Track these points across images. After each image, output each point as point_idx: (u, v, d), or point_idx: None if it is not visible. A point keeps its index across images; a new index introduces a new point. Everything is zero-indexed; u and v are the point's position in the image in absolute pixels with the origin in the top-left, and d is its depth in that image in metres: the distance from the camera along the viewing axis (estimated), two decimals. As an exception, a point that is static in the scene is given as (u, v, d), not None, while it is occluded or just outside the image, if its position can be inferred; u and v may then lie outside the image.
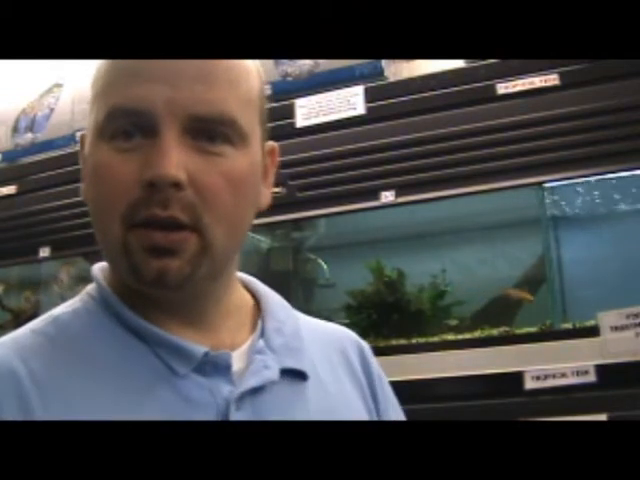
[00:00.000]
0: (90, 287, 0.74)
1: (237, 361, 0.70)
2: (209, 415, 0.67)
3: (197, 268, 0.67)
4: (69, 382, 0.65)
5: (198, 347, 0.69)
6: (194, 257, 0.66)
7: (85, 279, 0.75)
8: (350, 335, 0.85)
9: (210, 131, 0.67)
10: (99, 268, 0.75)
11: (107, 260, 0.73)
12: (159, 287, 0.67)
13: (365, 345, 0.85)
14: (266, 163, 0.75)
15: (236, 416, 0.67)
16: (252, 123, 0.71)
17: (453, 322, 1.71)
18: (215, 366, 0.69)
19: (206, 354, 0.68)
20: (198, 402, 0.67)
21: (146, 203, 0.65)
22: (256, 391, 0.69)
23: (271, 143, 0.77)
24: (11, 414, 0.63)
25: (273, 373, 0.71)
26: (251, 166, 0.70)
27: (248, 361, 0.71)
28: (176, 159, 0.65)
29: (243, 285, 0.79)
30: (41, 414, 0.63)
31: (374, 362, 0.84)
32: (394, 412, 0.83)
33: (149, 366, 0.68)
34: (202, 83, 0.66)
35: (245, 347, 0.73)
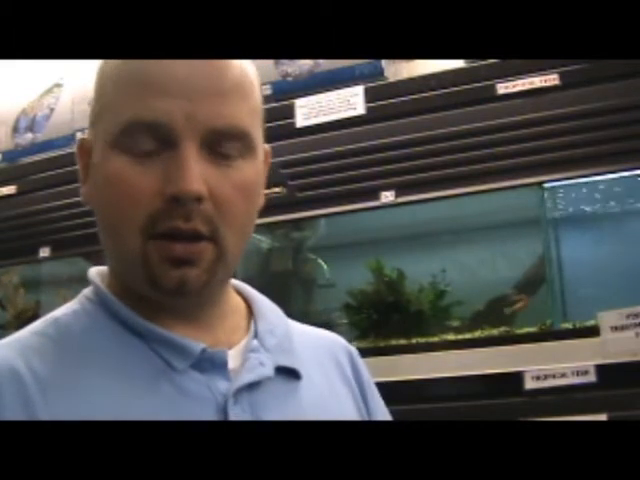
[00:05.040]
0: (87, 290, 0.75)
1: (233, 359, 0.72)
2: (208, 409, 0.68)
3: (213, 275, 0.69)
4: (71, 380, 0.66)
5: (196, 344, 0.70)
6: (210, 265, 0.68)
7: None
8: (339, 340, 0.87)
9: (223, 144, 0.68)
10: (96, 272, 0.76)
11: (118, 268, 0.73)
12: (178, 296, 0.69)
13: (354, 350, 0.86)
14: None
15: (234, 409, 0.68)
16: (259, 133, 0.73)
17: (453, 322, 1.71)
18: (212, 363, 0.70)
19: (203, 351, 0.70)
20: (197, 396, 0.68)
21: (168, 215, 0.66)
22: (252, 387, 0.70)
23: (265, 146, 0.78)
24: (14, 413, 0.63)
25: (268, 369, 0.72)
26: (257, 174, 0.73)
27: (243, 359, 0.73)
28: (198, 173, 0.66)
29: (234, 289, 0.80)
30: (43, 413, 0.63)
31: (363, 367, 0.85)
32: (382, 417, 0.84)
33: (148, 362, 0.69)
34: (217, 97, 0.68)
35: (240, 346, 0.74)
